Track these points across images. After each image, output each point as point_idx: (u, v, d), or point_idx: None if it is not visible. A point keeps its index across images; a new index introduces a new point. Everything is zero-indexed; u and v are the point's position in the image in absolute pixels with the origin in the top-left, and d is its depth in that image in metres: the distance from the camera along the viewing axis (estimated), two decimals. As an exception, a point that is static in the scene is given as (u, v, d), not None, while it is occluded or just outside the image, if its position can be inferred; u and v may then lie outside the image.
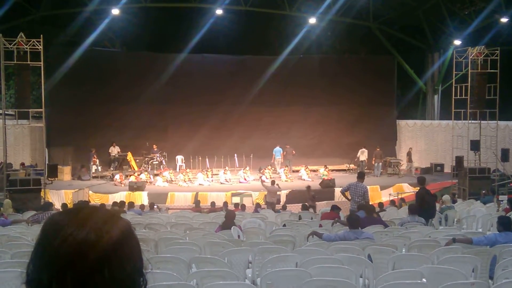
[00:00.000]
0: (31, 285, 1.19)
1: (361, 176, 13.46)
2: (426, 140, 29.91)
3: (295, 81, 28.93)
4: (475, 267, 6.70)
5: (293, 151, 27.30)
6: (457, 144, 23.87)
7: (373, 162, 27.22)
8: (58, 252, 1.16)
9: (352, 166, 27.66)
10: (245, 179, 24.78)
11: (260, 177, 23.69)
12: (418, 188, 13.78)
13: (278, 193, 20.10)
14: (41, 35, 19.30)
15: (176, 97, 27.71)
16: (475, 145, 22.83)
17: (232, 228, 9.82)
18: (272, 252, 7.19)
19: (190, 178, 24.65)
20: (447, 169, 26.30)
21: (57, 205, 18.93)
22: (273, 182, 20.45)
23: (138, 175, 24.08)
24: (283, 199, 21.85)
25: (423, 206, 12.04)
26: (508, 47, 25.32)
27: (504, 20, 25.97)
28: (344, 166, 28.13)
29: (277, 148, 27.27)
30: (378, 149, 27.19)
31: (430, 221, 12.07)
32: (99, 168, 25.75)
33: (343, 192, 13.69)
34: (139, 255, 1.26)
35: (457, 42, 28.31)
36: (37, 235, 1.24)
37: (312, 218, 13.85)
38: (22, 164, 24.23)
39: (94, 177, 25.16)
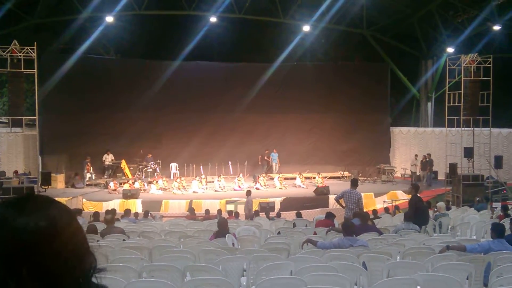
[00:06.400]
0: None
1: (354, 183, 13.47)
2: (419, 147, 29.97)
3: (289, 89, 28.99)
4: (470, 274, 6.71)
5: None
6: (450, 151, 23.94)
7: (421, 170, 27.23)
8: (7, 246, 1.15)
9: (346, 173, 27.65)
10: (239, 187, 24.73)
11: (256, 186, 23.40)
12: (411, 195, 13.80)
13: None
14: (35, 43, 19.30)
15: (170, 105, 27.68)
16: (468, 152, 22.89)
17: (226, 235, 9.79)
18: (267, 260, 7.17)
19: (184, 185, 24.58)
20: (441, 176, 26.35)
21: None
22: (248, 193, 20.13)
23: (132, 183, 24.02)
24: (277, 206, 21.82)
25: (417, 213, 12.06)
26: (500, 54, 25.51)
27: (496, 28, 26.15)
28: (338, 173, 28.14)
29: (273, 153, 27.94)
30: (428, 158, 27.18)
31: (424, 228, 12.09)
32: (93, 175, 25.66)
33: (337, 200, 13.70)
34: (83, 236, 1.28)
35: (450, 50, 28.45)
36: None
37: (306, 226, 13.84)
38: (16, 172, 24.10)
39: (88, 185, 25.04)
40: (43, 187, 21.65)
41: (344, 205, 13.13)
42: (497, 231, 7.92)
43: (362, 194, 14.49)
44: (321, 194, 23.34)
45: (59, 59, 26.29)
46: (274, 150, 28.08)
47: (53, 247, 1.17)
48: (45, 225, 1.18)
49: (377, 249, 8.33)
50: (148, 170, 25.98)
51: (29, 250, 1.15)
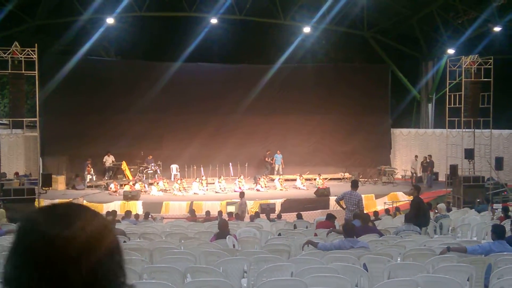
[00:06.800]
0: (11, 285, 1.17)
1: (355, 185, 13.48)
2: (420, 148, 29.97)
3: (290, 90, 29.00)
4: (471, 276, 6.71)
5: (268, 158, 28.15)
6: (451, 152, 23.93)
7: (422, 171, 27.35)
8: (34, 250, 1.15)
9: (347, 175, 27.63)
10: (240, 188, 24.70)
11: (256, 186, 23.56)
12: (412, 197, 13.80)
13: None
14: (36, 44, 19.27)
15: (171, 106, 27.71)
16: (469, 154, 22.88)
17: (227, 237, 9.80)
18: (268, 262, 7.18)
19: (184, 187, 24.59)
20: (442, 178, 26.35)
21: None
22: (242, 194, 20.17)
23: (133, 184, 24.02)
24: (278, 208, 21.83)
25: (419, 215, 12.06)
26: (501, 55, 25.45)
27: (497, 29, 26.14)
28: (339, 175, 28.12)
29: (277, 155, 27.93)
30: (429, 159, 27.18)
31: (425, 229, 12.09)
32: (94, 177, 25.67)
33: (337, 201, 13.71)
34: (117, 250, 1.26)
35: (451, 51, 28.44)
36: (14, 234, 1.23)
37: (307, 227, 13.84)
38: (16, 173, 24.13)
39: (88, 187, 25.04)
40: (43, 188, 21.62)
41: (344, 206, 13.14)
42: (498, 232, 7.92)
43: (363, 195, 14.51)
44: (322, 196, 23.33)
45: (60, 61, 26.28)
46: (278, 151, 28.08)
47: (84, 256, 1.17)
48: (80, 234, 1.18)
49: (378, 250, 8.33)
50: (148, 171, 25.99)
51: (61, 258, 1.15)
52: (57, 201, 18.19)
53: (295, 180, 26.43)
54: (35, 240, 1.17)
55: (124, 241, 9.94)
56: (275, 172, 27.78)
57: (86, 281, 1.16)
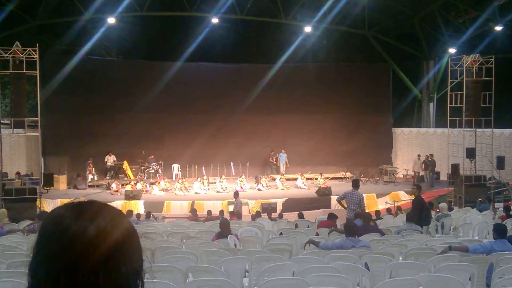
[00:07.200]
0: (34, 283, 1.17)
1: (356, 184, 13.48)
2: (422, 148, 29.95)
3: (291, 89, 28.99)
4: (472, 275, 6.70)
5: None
6: (452, 152, 23.92)
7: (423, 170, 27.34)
8: (54, 248, 1.14)
9: (348, 174, 27.60)
10: (241, 188, 24.70)
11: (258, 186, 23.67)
12: (414, 196, 13.80)
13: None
14: (37, 44, 19.28)
15: (172, 106, 27.70)
16: (470, 153, 22.87)
17: (228, 236, 9.80)
18: (269, 261, 7.18)
19: (186, 186, 24.59)
20: (443, 177, 26.33)
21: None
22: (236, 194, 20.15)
23: (134, 184, 24.03)
24: (279, 207, 21.83)
25: (421, 214, 12.06)
26: (502, 55, 25.45)
27: (498, 28, 26.12)
28: (340, 174, 28.10)
29: (281, 154, 28.04)
30: (430, 158, 27.18)
31: (426, 228, 12.08)
32: (95, 177, 25.67)
33: (339, 201, 13.71)
34: (138, 256, 1.25)
35: (452, 50, 28.41)
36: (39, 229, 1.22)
37: (308, 227, 13.84)
38: (18, 173, 24.13)
39: (90, 186, 25.03)
40: (45, 188, 21.64)
41: (346, 206, 13.14)
42: (499, 231, 7.92)
43: (364, 195, 14.51)
44: (323, 195, 23.32)
45: (61, 61, 26.28)
46: (283, 150, 28.12)
47: (103, 255, 1.15)
48: (102, 232, 1.16)
49: (379, 250, 8.32)
50: (150, 171, 25.98)
51: (80, 255, 1.13)
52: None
53: (296, 179, 26.44)
54: (57, 238, 1.15)
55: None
56: (280, 171, 27.79)
57: (102, 279, 1.15)
